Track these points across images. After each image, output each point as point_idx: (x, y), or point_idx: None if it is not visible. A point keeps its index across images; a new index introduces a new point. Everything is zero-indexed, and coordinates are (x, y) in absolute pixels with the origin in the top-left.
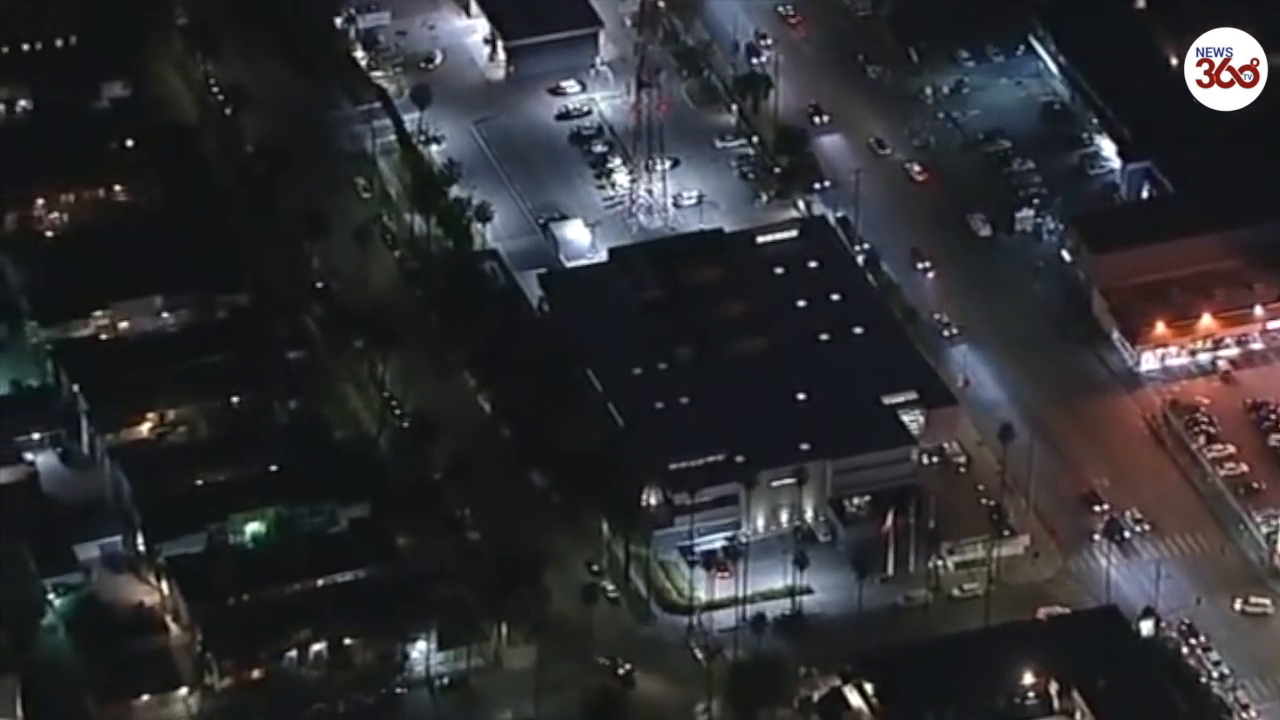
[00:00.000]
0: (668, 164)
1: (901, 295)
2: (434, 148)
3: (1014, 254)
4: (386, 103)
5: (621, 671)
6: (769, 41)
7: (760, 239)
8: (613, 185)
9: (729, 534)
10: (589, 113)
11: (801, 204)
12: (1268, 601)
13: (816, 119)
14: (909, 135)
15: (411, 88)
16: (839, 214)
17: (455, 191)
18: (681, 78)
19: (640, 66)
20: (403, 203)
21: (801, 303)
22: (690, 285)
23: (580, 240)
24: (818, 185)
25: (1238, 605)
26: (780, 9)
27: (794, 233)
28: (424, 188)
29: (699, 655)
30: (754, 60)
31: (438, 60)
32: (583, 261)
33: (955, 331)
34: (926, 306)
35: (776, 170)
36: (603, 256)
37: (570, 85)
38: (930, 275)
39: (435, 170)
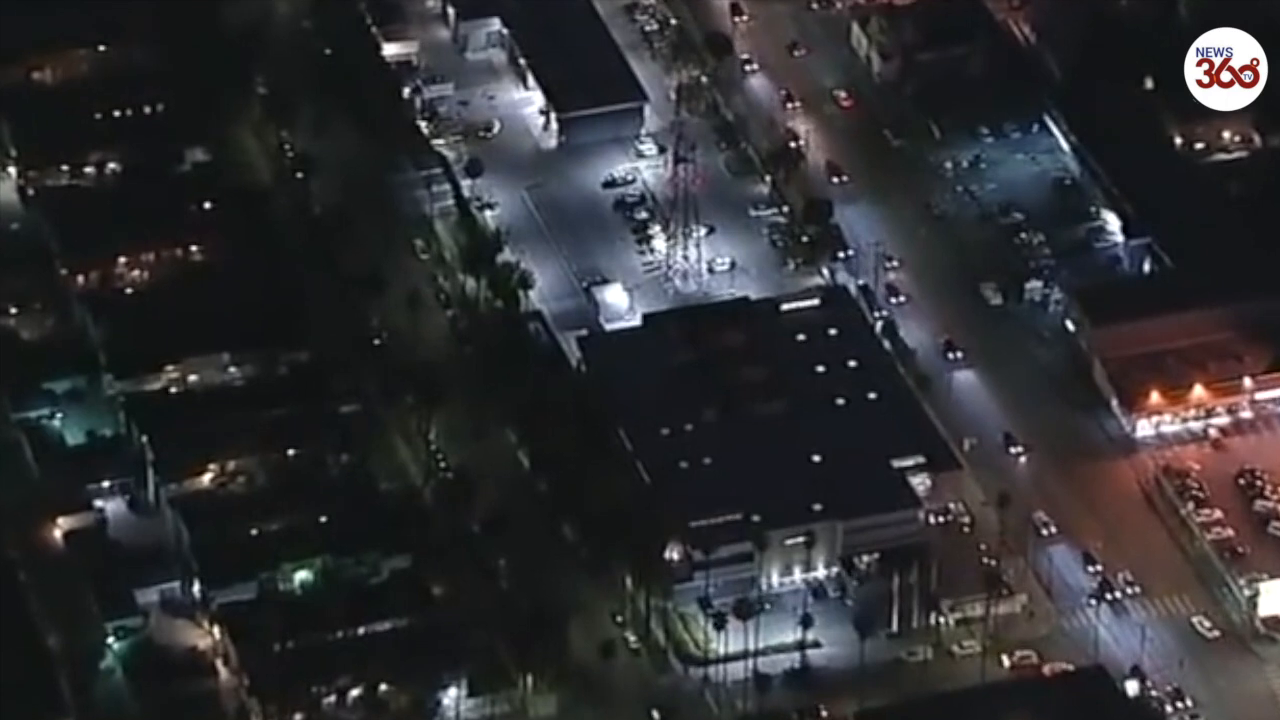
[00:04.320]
0: (703, 231)
1: (915, 362)
2: (488, 213)
3: (1022, 322)
4: (446, 169)
5: None
6: (895, 259)
7: (784, 307)
8: (652, 250)
9: (744, 589)
10: (633, 181)
11: (826, 271)
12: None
13: (950, 355)
14: (929, 206)
15: (465, 161)
16: (860, 282)
17: (505, 256)
18: (720, 149)
19: (677, 142)
20: (457, 265)
21: (820, 368)
22: (717, 350)
23: (619, 304)
24: (841, 254)
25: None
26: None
27: (816, 301)
28: (477, 252)
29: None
30: (890, 298)
31: (496, 129)
32: (620, 324)
33: (1054, 531)
34: (1024, 501)
35: (804, 239)
36: (639, 320)
37: (649, 148)
38: (1023, 460)
39: (488, 235)
